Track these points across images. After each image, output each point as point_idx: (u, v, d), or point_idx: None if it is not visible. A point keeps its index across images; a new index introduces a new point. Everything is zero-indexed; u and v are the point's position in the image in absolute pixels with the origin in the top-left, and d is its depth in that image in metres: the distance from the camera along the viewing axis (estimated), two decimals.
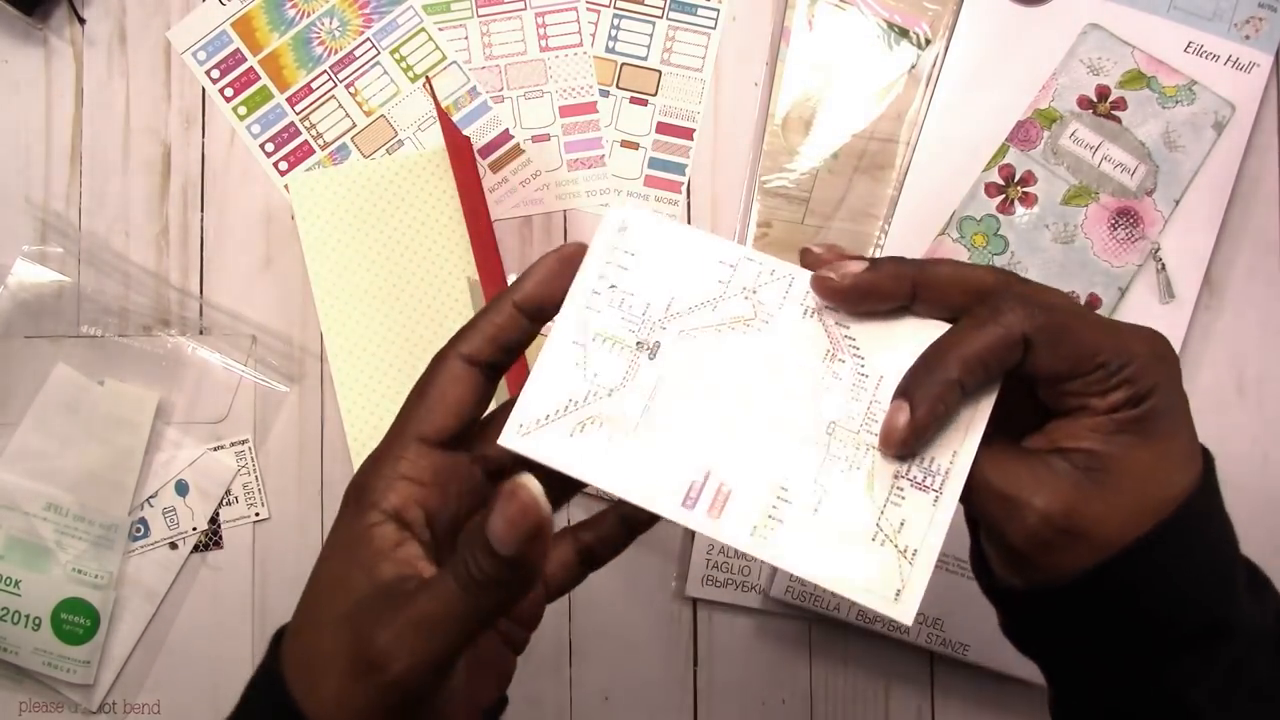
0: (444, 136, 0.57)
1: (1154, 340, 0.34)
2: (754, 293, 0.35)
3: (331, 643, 0.31)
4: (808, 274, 0.35)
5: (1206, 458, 0.35)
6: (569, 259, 0.35)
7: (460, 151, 0.57)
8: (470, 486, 0.35)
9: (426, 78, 0.59)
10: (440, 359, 0.34)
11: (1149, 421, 0.33)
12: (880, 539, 0.33)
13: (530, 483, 0.29)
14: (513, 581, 0.29)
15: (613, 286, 0.35)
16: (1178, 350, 0.58)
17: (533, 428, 0.34)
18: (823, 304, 0.35)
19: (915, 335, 0.34)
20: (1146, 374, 0.32)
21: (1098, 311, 0.58)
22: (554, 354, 0.34)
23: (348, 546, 0.33)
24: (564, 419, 0.34)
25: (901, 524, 0.33)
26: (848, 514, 0.33)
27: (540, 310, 0.35)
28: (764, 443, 0.34)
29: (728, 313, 0.35)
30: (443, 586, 0.30)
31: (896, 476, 0.33)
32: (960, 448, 0.34)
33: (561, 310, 0.35)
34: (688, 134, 0.62)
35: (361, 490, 0.33)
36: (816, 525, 0.33)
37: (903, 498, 0.33)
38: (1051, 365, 0.33)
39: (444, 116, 0.57)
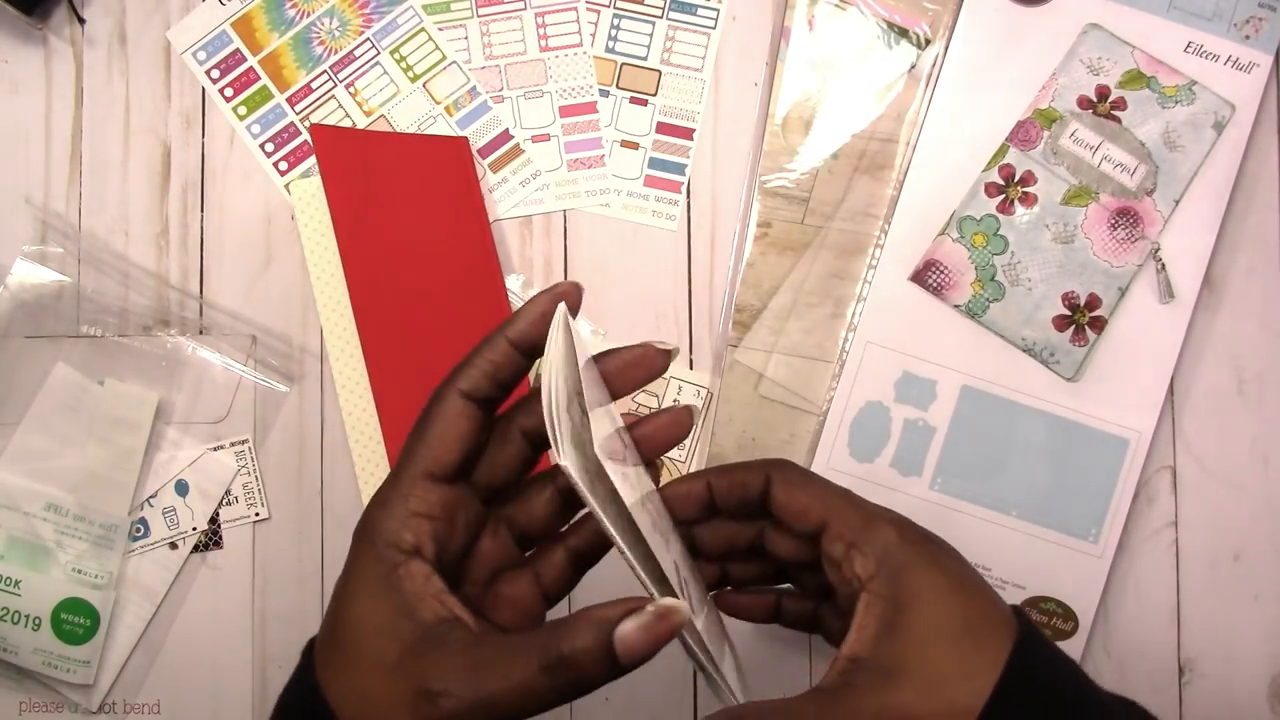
0: (324, 187, 0.57)
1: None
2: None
3: (387, 690, 0.31)
4: None
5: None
6: (561, 297, 0.35)
7: (352, 191, 0.57)
8: (473, 517, 0.36)
9: (313, 125, 0.59)
10: (439, 396, 0.35)
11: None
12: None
13: (683, 608, 0.31)
14: (607, 680, 0.32)
15: None
16: (1177, 350, 0.58)
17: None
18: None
19: None
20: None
21: (1097, 312, 0.58)
22: None
23: (379, 588, 0.33)
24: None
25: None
26: None
27: (534, 347, 0.35)
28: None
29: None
30: (521, 665, 0.31)
31: None
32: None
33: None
34: (688, 134, 0.62)
35: (374, 529, 0.34)
36: None
37: None
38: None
39: (323, 164, 0.57)
